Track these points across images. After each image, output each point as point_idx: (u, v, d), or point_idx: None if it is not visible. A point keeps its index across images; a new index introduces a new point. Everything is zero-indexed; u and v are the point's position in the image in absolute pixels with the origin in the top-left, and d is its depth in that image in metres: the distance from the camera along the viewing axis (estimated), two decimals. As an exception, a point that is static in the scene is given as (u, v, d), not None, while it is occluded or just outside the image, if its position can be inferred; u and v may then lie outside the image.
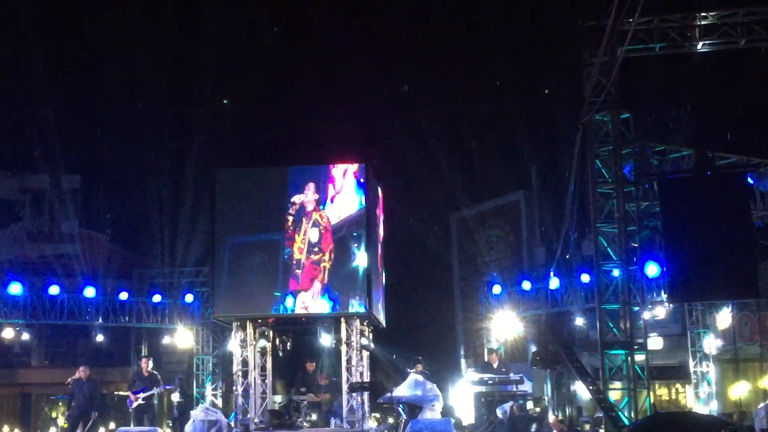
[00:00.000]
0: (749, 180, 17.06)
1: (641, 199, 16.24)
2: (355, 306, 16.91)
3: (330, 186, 17.40)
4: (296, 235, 17.26)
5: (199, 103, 29.91)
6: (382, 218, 19.74)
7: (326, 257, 17.17)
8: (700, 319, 23.06)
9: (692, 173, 15.65)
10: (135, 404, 17.43)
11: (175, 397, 21.70)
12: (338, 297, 17.03)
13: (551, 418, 22.06)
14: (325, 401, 17.75)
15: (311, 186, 17.37)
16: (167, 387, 18.88)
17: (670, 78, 21.00)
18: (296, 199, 17.22)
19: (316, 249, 17.19)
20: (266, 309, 17.29)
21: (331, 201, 17.28)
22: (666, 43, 15.61)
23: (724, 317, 22.66)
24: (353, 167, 17.48)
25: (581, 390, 28.56)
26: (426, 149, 34.38)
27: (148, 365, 18.04)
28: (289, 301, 17.12)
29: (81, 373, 17.72)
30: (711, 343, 23.26)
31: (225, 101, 30.63)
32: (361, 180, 17.31)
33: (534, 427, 17.01)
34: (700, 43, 15.52)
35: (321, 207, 17.29)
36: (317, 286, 17.05)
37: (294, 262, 17.11)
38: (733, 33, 15.39)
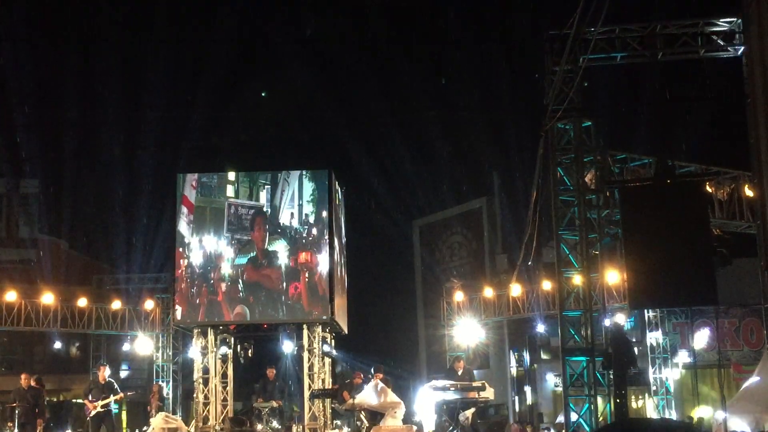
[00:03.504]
0: (708, 188, 17.26)
1: (602, 207, 16.32)
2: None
3: (280, 190, 18.23)
4: (250, 234, 18.18)
5: (162, 110, 29.77)
6: (344, 224, 19.76)
7: (275, 256, 18.05)
8: (659, 326, 23.27)
9: (652, 181, 15.74)
10: (93, 412, 17.19)
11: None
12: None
13: (513, 425, 22.15)
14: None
15: (264, 188, 18.28)
16: (130, 393, 18.67)
17: (631, 87, 21.22)
18: (249, 200, 18.19)
19: (269, 247, 18.10)
20: (223, 309, 17.95)
21: (281, 203, 18.15)
22: (627, 53, 15.73)
23: (702, 337, 23.15)
24: (308, 173, 18.10)
25: (543, 397, 28.81)
26: (389, 157, 34.53)
27: (105, 373, 17.79)
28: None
29: (22, 381, 17.48)
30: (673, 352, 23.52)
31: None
32: (318, 185, 17.93)
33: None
34: (661, 53, 15.66)
35: (270, 208, 18.23)
36: (267, 281, 18.06)
37: (247, 260, 18.12)
38: (693, 43, 15.55)
